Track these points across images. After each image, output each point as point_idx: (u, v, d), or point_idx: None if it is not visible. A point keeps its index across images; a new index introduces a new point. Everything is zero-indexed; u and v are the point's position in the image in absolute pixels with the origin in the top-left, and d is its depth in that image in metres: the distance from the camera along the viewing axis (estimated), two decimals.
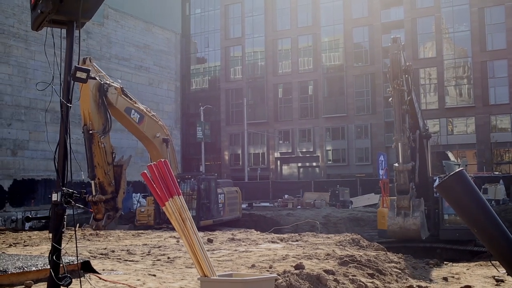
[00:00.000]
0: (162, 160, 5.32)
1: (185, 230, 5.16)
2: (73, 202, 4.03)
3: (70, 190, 4.03)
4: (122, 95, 23.09)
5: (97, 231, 16.91)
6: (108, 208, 22.19)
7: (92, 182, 22.01)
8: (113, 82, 23.03)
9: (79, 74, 4.03)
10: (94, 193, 21.96)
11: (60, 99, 4.04)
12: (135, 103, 24.04)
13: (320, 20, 60.26)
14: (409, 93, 21.24)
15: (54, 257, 4.01)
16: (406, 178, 19.85)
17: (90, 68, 4.49)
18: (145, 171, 5.26)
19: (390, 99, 20.62)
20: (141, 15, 48.85)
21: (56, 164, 4.10)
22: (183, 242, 5.25)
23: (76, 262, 6.40)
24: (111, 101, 22.29)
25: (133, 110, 23.56)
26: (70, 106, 4.08)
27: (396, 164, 20.16)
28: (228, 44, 66.24)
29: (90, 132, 21.33)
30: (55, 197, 4.00)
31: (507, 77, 51.68)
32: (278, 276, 7.20)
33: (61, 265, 4.06)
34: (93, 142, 21.42)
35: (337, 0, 59.27)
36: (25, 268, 6.66)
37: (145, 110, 24.58)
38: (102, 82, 21.86)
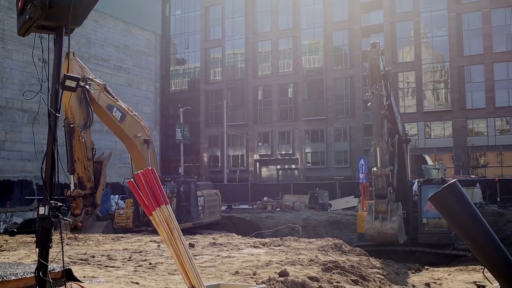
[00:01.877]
0: (150, 168, 5.21)
1: (173, 240, 5.05)
2: (61, 216, 3.88)
3: (59, 204, 3.88)
4: (105, 92, 22.83)
5: (76, 235, 16.63)
6: (86, 204, 21.94)
7: (72, 176, 21.72)
8: (95, 78, 22.77)
9: (68, 83, 3.89)
10: (73, 188, 21.70)
11: (48, 107, 3.90)
12: (117, 101, 23.78)
13: (301, 23, 60.46)
14: (388, 98, 21.35)
15: (40, 273, 3.86)
16: (384, 182, 19.93)
17: (79, 77, 4.35)
18: (132, 179, 5.14)
19: (369, 103, 20.70)
20: (121, 16, 48.45)
21: (43, 176, 3.95)
22: (171, 252, 5.14)
23: (58, 270, 6.25)
24: (93, 96, 22.03)
25: (115, 108, 23.29)
26: (58, 116, 3.94)
27: (375, 169, 20.25)
28: (208, 46, 66.06)
29: (71, 126, 21.07)
30: (42, 210, 3.83)
31: (484, 82, 52.48)
32: (264, 285, 7.13)
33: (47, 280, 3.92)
34: (73, 136, 21.17)
35: (317, 3, 59.52)
36: (4, 277, 6.46)
37: (127, 109, 24.33)
38: (85, 77, 21.60)
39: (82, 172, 21.69)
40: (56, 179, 4.09)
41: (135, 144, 24.81)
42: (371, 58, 20.17)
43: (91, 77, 22.20)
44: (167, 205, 5.10)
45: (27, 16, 4.04)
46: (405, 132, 25.41)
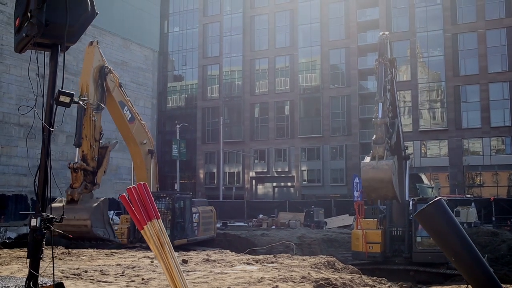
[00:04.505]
0: (142, 182, 5.28)
1: (163, 254, 5.11)
2: (52, 228, 3.96)
3: (50, 215, 3.96)
4: (120, 88, 23.62)
5: (69, 250, 16.62)
6: (86, 180, 22.31)
7: (77, 149, 22.22)
8: (113, 70, 23.55)
9: (62, 98, 3.99)
10: (76, 160, 22.15)
11: (42, 123, 3.99)
12: (129, 101, 24.48)
13: (298, 41, 60.88)
14: (392, 78, 22.31)
15: (31, 283, 3.92)
16: (383, 131, 20.05)
17: (73, 93, 4.45)
18: (124, 193, 5.21)
19: (374, 73, 21.79)
20: (119, 32, 48.77)
21: (36, 188, 4.03)
22: (161, 266, 5.20)
23: (49, 285, 6.27)
24: (109, 87, 22.84)
25: (126, 107, 24.01)
26: (52, 131, 4.03)
27: (375, 119, 20.45)
28: (205, 63, 66.41)
29: (85, 102, 21.64)
30: (34, 222, 3.91)
31: (479, 101, 52.79)
32: None
33: None
34: (85, 113, 21.75)
35: (314, 22, 60.01)
36: None
37: (137, 114, 25.00)
38: (104, 66, 22.57)
39: (88, 150, 22.25)
40: (49, 194, 4.17)
41: (140, 151, 25.21)
42: (381, 38, 21.64)
43: (109, 68, 23.06)
44: (159, 220, 5.17)
45: (24, 34, 4.16)
46: (404, 147, 25.45)
